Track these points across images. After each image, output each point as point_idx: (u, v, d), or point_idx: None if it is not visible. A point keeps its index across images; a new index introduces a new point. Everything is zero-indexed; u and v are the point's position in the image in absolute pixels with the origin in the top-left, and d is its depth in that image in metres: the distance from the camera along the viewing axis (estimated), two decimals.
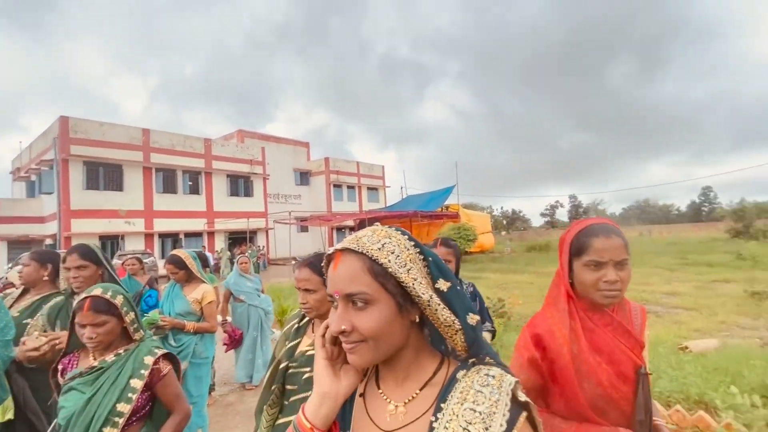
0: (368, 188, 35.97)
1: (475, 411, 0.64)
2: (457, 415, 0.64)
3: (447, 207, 26.19)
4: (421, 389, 0.71)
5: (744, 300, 7.82)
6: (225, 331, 4.53)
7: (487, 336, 2.34)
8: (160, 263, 16.39)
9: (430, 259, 0.72)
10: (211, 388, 4.29)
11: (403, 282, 0.68)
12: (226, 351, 4.66)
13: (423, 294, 0.68)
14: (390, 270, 0.68)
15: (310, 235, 30.56)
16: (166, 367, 1.65)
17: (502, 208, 74.28)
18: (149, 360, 1.61)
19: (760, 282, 8.78)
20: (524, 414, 0.65)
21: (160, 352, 1.67)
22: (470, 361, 0.72)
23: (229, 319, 4.77)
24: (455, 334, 0.70)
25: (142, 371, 1.58)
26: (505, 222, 68.36)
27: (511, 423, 0.63)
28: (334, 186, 32.89)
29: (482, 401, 0.64)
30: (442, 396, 0.68)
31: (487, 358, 0.72)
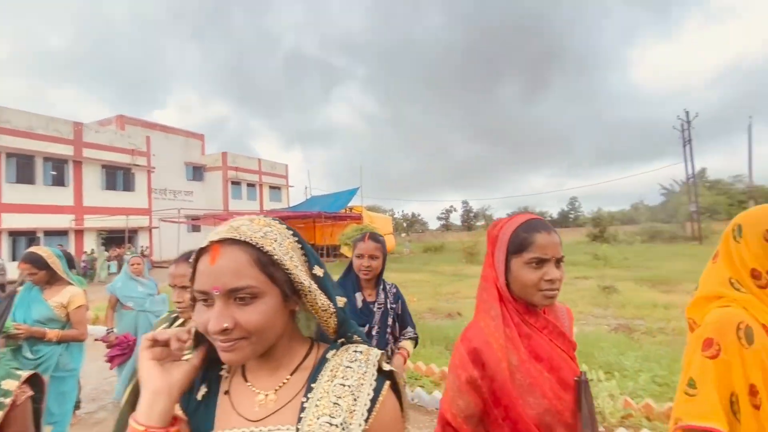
0: (270, 187, 34.63)
1: (344, 385, 0.67)
2: (328, 392, 0.67)
3: (351, 209, 26.44)
4: (291, 374, 0.71)
5: (597, 293, 9.28)
6: (110, 345, 3.88)
7: (408, 344, 2.20)
8: (12, 266, 13.78)
9: (306, 246, 0.74)
10: (77, 406, 3.73)
11: (288, 270, 0.67)
12: (112, 367, 3.96)
13: (305, 281, 0.69)
14: (276, 259, 0.66)
15: (203, 235, 27.72)
16: (21, 396, 1.31)
17: (403, 211, 77.41)
18: (10, 384, 1.28)
19: (610, 278, 10.53)
20: (388, 383, 0.70)
21: (24, 374, 1.35)
22: (339, 341, 0.75)
23: (115, 330, 4.12)
24: (330, 317, 0.73)
25: (2, 399, 1.28)
26: (405, 224, 71.33)
27: (377, 391, 0.68)
28: (233, 183, 30.99)
29: (351, 376, 0.68)
30: (313, 377, 0.69)
31: (355, 336, 0.76)
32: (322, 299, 0.71)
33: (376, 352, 0.72)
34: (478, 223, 68.40)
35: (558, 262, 1.08)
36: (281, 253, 0.67)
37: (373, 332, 2.02)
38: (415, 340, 2.25)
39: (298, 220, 27.67)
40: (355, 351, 0.72)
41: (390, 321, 2.11)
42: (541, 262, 1.06)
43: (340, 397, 0.66)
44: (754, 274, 1.01)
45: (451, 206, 77.11)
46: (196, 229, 27.96)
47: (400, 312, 2.20)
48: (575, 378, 1.07)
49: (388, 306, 2.11)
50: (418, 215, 77.41)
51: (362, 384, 0.68)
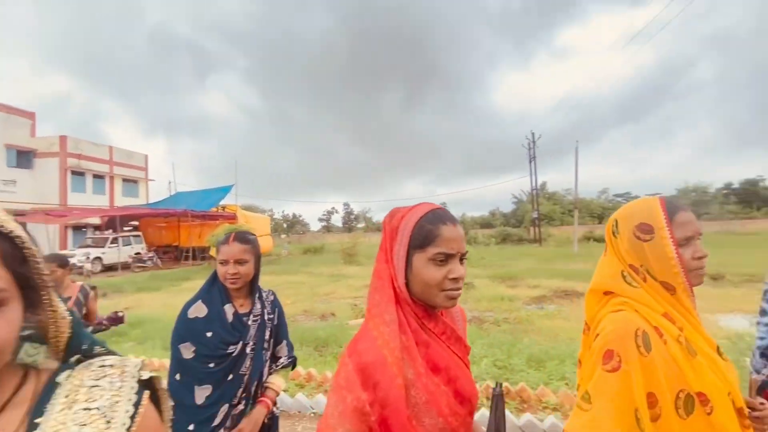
0: (124, 180, 30.20)
1: (90, 409, 0.55)
2: (65, 423, 0.54)
3: (224, 207, 24.63)
4: None
5: None
6: None
7: (278, 380, 1.83)
8: None
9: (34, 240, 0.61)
10: None
11: (39, 264, 0.55)
12: None
13: (48, 280, 0.58)
14: (26, 249, 0.53)
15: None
16: None
17: (283, 211, 74.78)
18: None
19: (469, 276, 11.67)
20: (147, 392, 0.60)
21: None
22: (74, 359, 0.62)
23: None
24: (66, 327, 0.61)
25: None
26: (285, 225, 69.43)
27: (136, 406, 0.57)
28: (74, 173, 26.14)
29: (100, 395, 0.56)
30: (37, 410, 0.54)
31: (97, 348, 0.65)
32: (60, 304, 0.58)
33: (134, 362, 0.61)
34: (359, 225, 70.26)
35: (462, 258, 0.95)
36: (25, 241, 0.53)
37: (248, 350, 1.71)
38: (293, 363, 1.94)
39: (159, 219, 24.73)
40: (102, 366, 0.59)
41: (267, 335, 1.81)
42: (446, 259, 0.92)
43: (85, 425, 0.53)
44: (633, 269, 1.00)
45: (333, 208, 77.54)
46: None
47: (276, 323, 1.88)
48: (492, 390, 1.02)
49: (266, 317, 1.81)
50: (300, 216, 76.14)
51: (117, 402, 0.56)
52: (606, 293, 1.03)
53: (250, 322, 1.75)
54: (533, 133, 34.62)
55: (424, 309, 0.95)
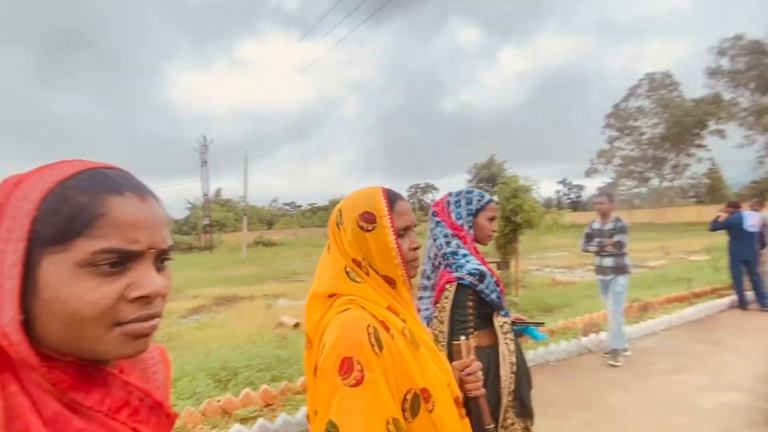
0: None
1: None
2: None
3: None
4: None
5: None
6: None
7: None
8: None
9: None
10: None
11: None
12: None
13: None
14: None
15: None
16: None
17: None
18: None
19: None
20: None
21: None
22: None
23: None
24: None
25: None
26: None
27: None
28: None
29: None
30: None
31: None
32: None
33: None
34: None
35: (162, 256, 0.53)
36: None
37: None
38: None
39: None
40: None
41: None
42: (125, 261, 0.48)
43: None
44: (356, 263, 0.93)
45: None
46: None
47: None
48: None
49: None
50: None
51: None
52: (331, 296, 0.93)
53: None
54: (205, 137, 34.01)
55: (76, 368, 0.49)
